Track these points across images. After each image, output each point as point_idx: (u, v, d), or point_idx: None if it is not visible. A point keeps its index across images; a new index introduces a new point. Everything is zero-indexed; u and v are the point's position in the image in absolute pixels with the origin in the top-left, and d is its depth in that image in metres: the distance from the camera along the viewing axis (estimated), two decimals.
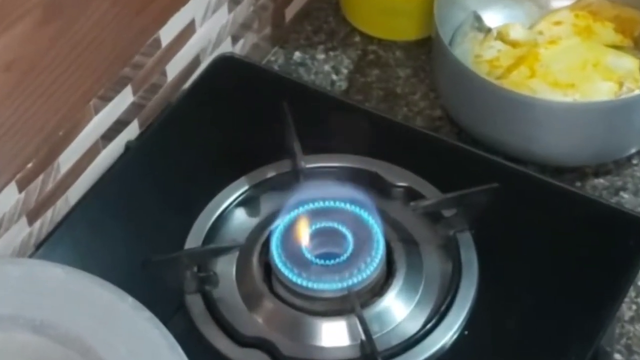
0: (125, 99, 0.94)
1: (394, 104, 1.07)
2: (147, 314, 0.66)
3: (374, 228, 0.80)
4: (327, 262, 0.79)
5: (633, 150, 1.01)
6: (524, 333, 0.79)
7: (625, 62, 1.01)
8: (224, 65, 0.98)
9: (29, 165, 0.86)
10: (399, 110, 1.06)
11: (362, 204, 0.81)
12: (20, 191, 0.86)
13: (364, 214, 0.81)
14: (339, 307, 0.78)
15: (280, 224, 0.81)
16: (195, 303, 0.80)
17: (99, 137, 0.93)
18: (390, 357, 0.76)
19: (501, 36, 1.06)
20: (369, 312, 0.78)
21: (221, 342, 0.78)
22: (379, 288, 0.80)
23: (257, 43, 1.09)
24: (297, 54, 1.11)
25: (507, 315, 0.80)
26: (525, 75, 1.01)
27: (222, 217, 0.86)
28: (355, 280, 0.78)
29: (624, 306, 0.88)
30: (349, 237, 0.80)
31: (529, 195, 0.87)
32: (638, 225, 0.86)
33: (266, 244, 0.81)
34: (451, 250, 0.82)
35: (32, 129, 0.85)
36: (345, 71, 1.10)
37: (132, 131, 0.96)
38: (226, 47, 1.04)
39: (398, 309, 0.79)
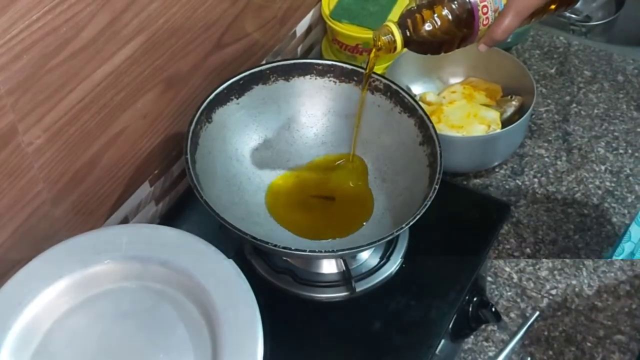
0: None
1: None
2: (222, 255, 0.66)
3: None
4: None
5: (495, 163, 1.01)
6: (434, 266, 0.79)
7: (491, 114, 1.00)
8: None
9: (156, 171, 0.86)
10: None
11: None
12: (150, 186, 0.86)
13: None
14: None
15: None
16: (249, 249, 0.79)
17: None
18: (359, 280, 0.76)
19: (422, 99, 1.05)
20: (347, 255, 0.77)
21: (264, 270, 0.77)
22: None
23: None
24: None
25: (425, 257, 0.79)
26: (435, 121, 0.98)
27: None
28: None
29: (490, 251, 0.88)
30: None
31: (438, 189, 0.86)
32: (499, 206, 0.85)
33: None
34: None
35: (158, 151, 0.85)
36: None
37: None
38: None
39: (364, 253, 0.79)
